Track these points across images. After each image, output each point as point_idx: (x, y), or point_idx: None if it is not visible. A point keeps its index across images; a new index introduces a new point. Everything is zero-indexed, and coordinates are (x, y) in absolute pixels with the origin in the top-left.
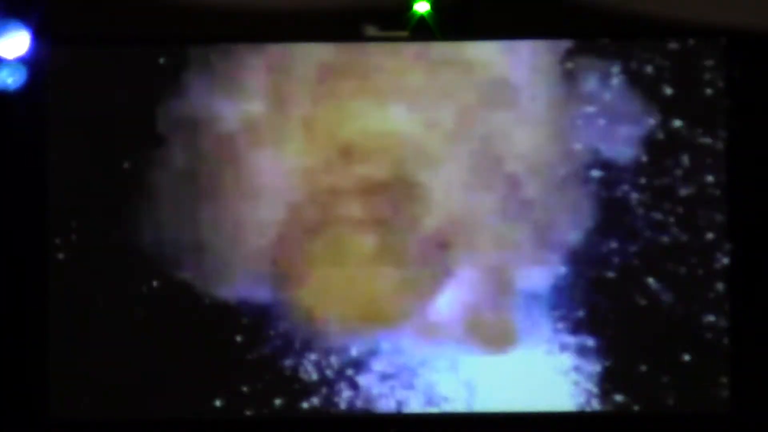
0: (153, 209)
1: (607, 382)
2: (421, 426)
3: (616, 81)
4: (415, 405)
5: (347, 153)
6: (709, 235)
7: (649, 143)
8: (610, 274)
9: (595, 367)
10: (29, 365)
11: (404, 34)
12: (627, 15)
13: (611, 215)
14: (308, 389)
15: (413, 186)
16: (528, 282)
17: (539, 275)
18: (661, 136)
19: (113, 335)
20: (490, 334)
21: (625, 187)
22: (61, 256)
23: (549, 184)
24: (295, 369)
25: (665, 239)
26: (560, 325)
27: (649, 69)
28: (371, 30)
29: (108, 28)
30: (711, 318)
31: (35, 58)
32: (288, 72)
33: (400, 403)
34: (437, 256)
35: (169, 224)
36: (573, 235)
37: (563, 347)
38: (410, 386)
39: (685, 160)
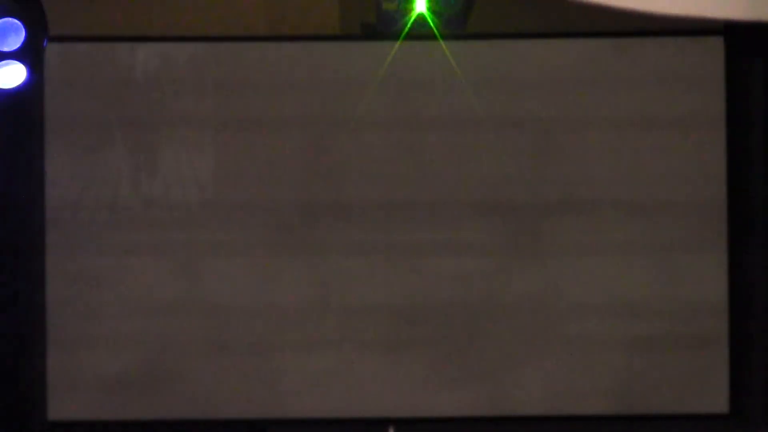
0: (152, 208)
1: (607, 383)
2: (421, 426)
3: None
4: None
5: None
6: (709, 234)
7: (648, 141)
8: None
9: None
10: (28, 367)
11: (404, 33)
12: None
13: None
14: (307, 389)
15: None
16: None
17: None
18: (660, 134)
19: (112, 337)
20: None
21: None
22: (60, 255)
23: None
24: (293, 369)
25: (666, 238)
26: None
27: (648, 68)
28: (370, 29)
29: (105, 27)
30: (711, 318)
31: (32, 57)
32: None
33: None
34: None
35: (169, 224)
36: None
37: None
38: None
39: (685, 158)
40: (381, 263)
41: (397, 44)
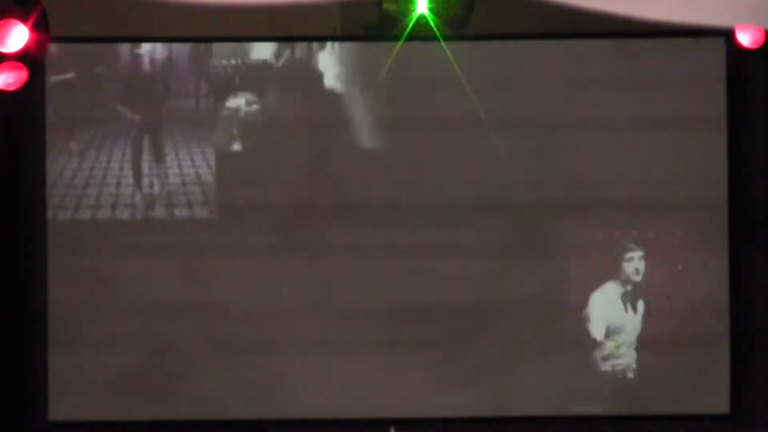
0: (152, 209)
1: (608, 384)
2: (421, 426)
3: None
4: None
5: None
6: (710, 234)
7: (649, 141)
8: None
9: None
10: (29, 368)
11: (405, 34)
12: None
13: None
14: (305, 388)
15: None
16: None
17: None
18: (661, 134)
19: (112, 337)
20: None
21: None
22: (60, 255)
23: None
24: (293, 369)
25: (666, 239)
26: None
27: (649, 69)
28: (371, 30)
29: (105, 27)
30: (712, 318)
31: (33, 57)
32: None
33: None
34: None
35: (169, 224)
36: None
37: None
38: None
39: (686, 158)
40: (381, 263)
41: (399, 45)
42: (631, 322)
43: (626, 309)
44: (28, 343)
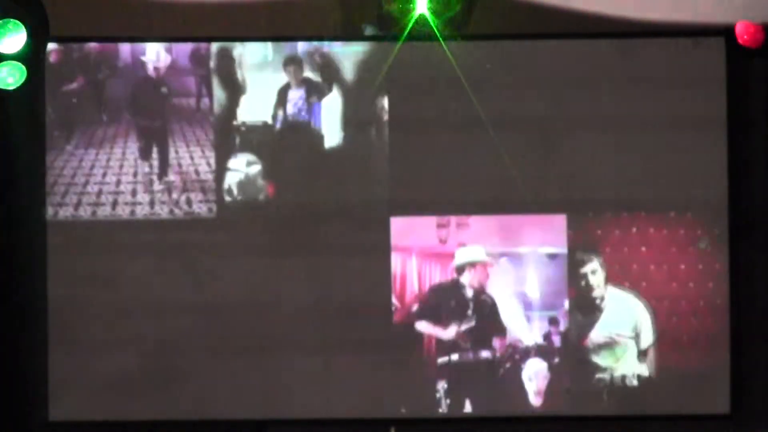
0: (153, 208)
1: (608, 383)
2: (422, 426)
3: (617, 81)
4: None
5: None
6: (710, 234)
7: (649, 141)
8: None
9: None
10: (29, 368)
11: (405, 34)
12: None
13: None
14: (305, 388)
15: None
16: None
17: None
18: (661, 134)
19: (112, 337)
20: None
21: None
22: (60, 255)
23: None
24: (293, 369)
25: (666, 239)
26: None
27: (649, 69)
28: (370, 30)
29: (105, 27)
30: (712, 318)
31: (32, 57)
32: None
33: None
34: None
35: (169, 224)
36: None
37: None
38: None
39: (686, 158)
40: (381, 263)
41: (398, 45)
42: (632, 321)
43: (628, 308)
44: (28, 343)
